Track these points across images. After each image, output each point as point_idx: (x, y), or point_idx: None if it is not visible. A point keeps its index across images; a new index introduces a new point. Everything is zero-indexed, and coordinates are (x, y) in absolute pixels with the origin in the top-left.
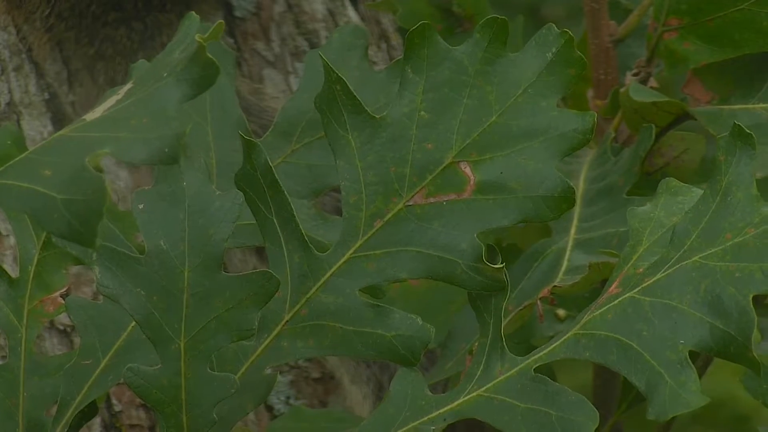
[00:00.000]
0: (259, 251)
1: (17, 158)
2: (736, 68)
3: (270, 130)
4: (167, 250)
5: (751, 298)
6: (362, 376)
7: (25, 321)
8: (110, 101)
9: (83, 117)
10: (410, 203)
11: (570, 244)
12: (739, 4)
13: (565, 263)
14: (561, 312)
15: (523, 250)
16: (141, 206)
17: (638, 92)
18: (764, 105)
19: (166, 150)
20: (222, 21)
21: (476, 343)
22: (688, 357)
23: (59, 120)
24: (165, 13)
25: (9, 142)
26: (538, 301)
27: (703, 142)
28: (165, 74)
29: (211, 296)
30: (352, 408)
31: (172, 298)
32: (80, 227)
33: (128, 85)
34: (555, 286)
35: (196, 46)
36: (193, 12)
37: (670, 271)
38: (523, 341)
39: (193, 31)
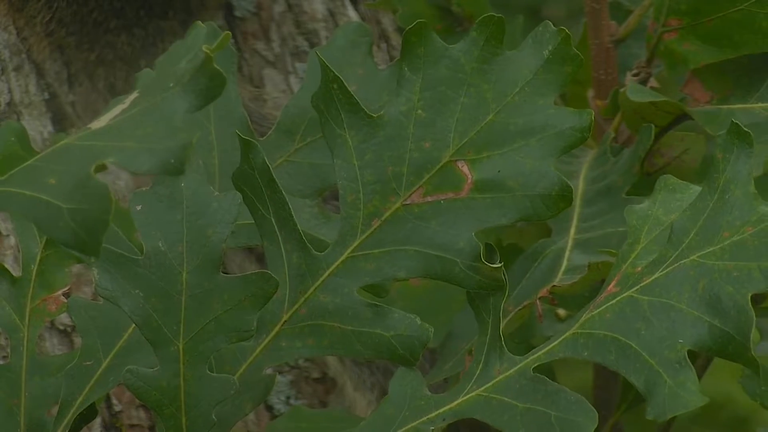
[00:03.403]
0: (259, 258)
1: (22, 166)
2: (735, 68)
3: (273, 128)
4: (165, 251)
5: (749, 297)
6: (366, 382)
7: (27, 320)
8: (116, 110)
9: (88, 126)
10: (408, 202)
11: (569, 244)
12: (738, 4)
13: (564, 263)
14: (561, 312)
15: (523, 250)
16: (139, 207)
17: (636, 92)
18: (763, 104)
19: (172, 161)
20: (228, 32)
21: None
22: (686, 356)
23: (59, 120)
24: (167, 21)
25: (13, 139)
26: (538, 301)
27: (704, 143)
28: (171, 84)
29: (209, 297)
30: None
31: (171, 300)
32: (85, 236)
33: (134, 94)
34: (554, 285)
35: (203, 56)
36: (200, 21)
37: (668, 269)
38: (524, 341)
39: (200, 40)
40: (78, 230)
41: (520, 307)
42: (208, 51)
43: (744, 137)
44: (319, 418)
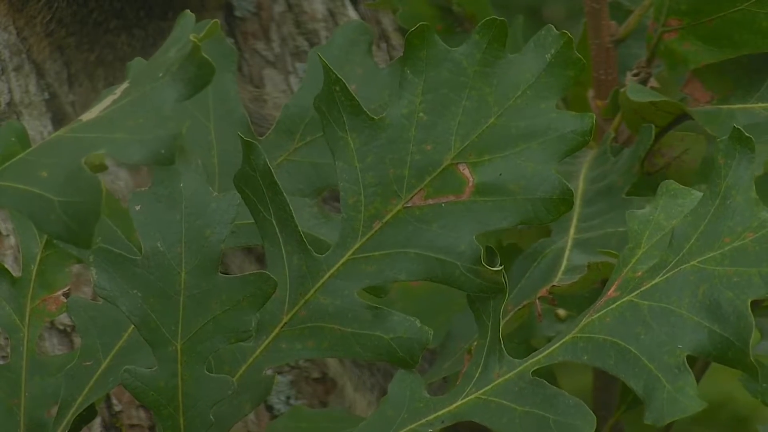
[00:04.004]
0: (259, 259)
1: (14, 159)
2: (735, 68)
3: (273, 128)
4: (164, 251)
5: (749, 303)
6: (366, 383)
7: (27, 320)
8: (106, 101)
9: (80, 118)
10: (409, 205)
11: (569, 243)
12: (738, 4)
13: (564, 263)
14: (561, 312)
15: (523, 250)
16: (138, 208)
17: (636, 92)
18: (763, 104)
19: (163, 151)
20: (217, 20)
21: (474, 344)
22: (686, 361)
23: (59, 120)
24: (166, 21)
25: (13, 139)
26: (537, 301)
27: (704, 143)
28: (160, 74)
29: (207, 298)
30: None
31: (169, 300)
32: (77, 228)
33: (124, 85)
34: (554, 285)
35: (191, 45)
36: (188, 11)
37: (668, 275)
38: (523, 341)
39: (189, 30)
40: (69, 222)
41: (519, 307)
42: (195, 40)
43: (746, 143)
44: (319, 418)
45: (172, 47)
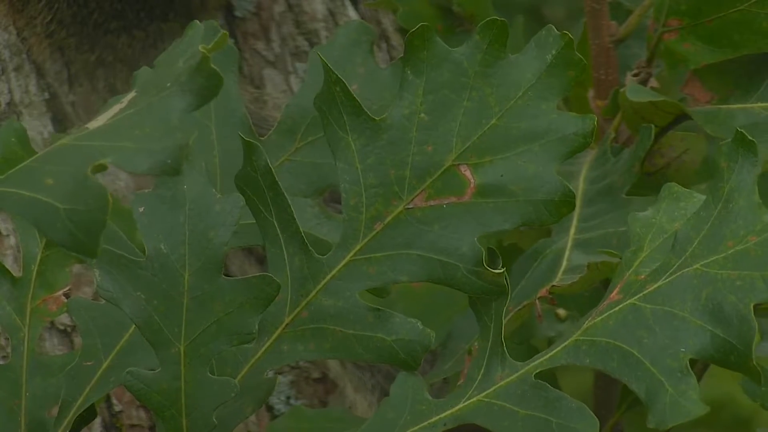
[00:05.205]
0: (260, 260)
1: (19, 166)
2: (735, 68)
3: (274, 128)
4: (167, 253)
5: (752, 307)
6: (367, 384)
7: (27, 320)
8: (113, 110)
9: (86, 126)
10: (410, 206)
11: (569, 244)
12: (738, 4)
13: (564, 263)
14: (561, 312)
15: (523, 250)
16: (141, 209)
17: (636, 92)
18: (762, 104)
19: (169, 161)
20: (226, 32)
21: (475, 344)
22: (688, 365)
23: (59, 120)
24: (167, 23)
25: (13, 140)
26: (537, 301)
27: (704, 143)
28: (169, 84)
29: (211, 300)
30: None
31: (172, 302)
32: (83, 237)
33: (131, 94)
34: (554, 285)
35: (200, 56)
36: (197, 21)
37: (671, 278)
38: (523, 341)
39: (197, 40)
40: (75, 231)
41: (519, 307)
42: (205, 51)
43: (749, 146)
44: (319, 418)
45: (181, 57)
